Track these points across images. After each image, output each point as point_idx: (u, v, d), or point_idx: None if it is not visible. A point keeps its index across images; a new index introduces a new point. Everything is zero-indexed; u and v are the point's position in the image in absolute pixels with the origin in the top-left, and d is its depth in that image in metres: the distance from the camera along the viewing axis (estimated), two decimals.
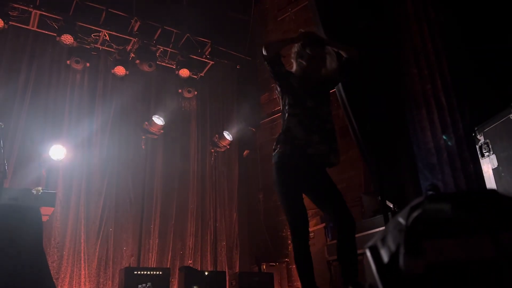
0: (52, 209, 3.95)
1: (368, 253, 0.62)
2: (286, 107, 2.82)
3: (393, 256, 0.53)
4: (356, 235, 4.29)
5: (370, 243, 0.65)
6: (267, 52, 2.79)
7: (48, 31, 6.01)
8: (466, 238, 0.58)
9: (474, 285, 0.54)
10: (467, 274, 0.55)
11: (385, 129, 4.95)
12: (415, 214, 0.53)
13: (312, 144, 2.66)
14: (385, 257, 0.56)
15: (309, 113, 2.74)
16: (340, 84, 4.78)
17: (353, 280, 2.47)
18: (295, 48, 2.94)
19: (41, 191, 3.60)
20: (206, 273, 5.02)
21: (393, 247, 0.55)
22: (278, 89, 2.93)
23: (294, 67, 2.94)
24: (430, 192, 4.72)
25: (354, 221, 2.67)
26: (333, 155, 2.73)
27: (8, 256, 3.15)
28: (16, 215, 3.44)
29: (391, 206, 4.04)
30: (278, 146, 2.73)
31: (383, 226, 4.15)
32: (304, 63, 2.85)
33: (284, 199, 2.64)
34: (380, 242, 0.61)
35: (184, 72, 6.90)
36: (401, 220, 0.57)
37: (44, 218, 3.77)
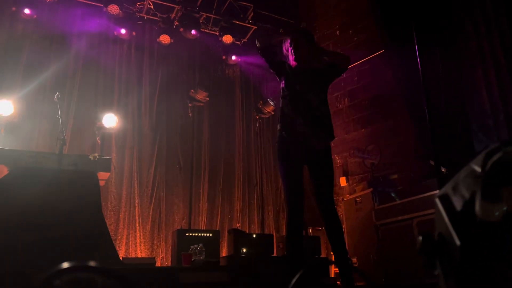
0: (108, 174, 4.14)
1: (439, 203, 0.61)
2: (281, 90, 3.12)
3: (467, 204, 0.52)
4: (405, 200, 4.22)
5: (440, 193, 0.64)
6: (259, 44, 3.10)
7: (95, 2, 6.14)
8: None
9: None
10: None
11: (437, 90, 4.74)
12: (495, 158, 0.51)
13: (296, 125, 2.91)
14: (458, 205, 0.55)
15: (297, 96, 3.00)
16: None
17: (345, 255, 2.78)
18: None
19: (97, 157, 3.78)
20: (254, 236, 5.14)
21: (467, 195, 0.54)
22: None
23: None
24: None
25: (336, 217, 2.88)
26: (315, 139, 2.92)
27: (70, 219, 3.37)
28: (76, 180, 3.66)
29: (443, 170, 3.91)
30: (278, 125, 3.05)
31: (434, 190, 4.05)
32: (293, 54, 3.10)
33: (281, 174, 2.93)
34: (451, 191, 0.59)
35: (227, 38, 6.87)
36: (476, 167, 0.55)
37: (101, 183, 3.97)
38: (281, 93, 3.12)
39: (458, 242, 0.50)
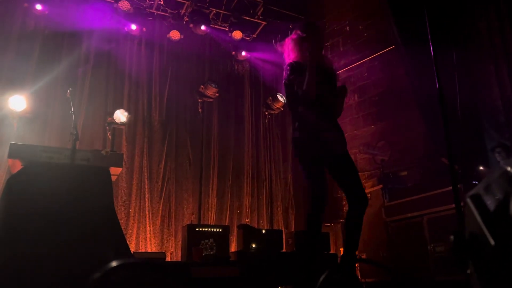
0: (120, 169, 4.18)
1: (470, 202, 0.61)
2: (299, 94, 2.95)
3: (501, 204, 0.52)
4: (416, 197, 4.21)
5: (471, 192, 0.64)
6: (311, 96, 2.83)
7: None
8: None
9: None
10: None
11: (448, 86, 4.70)
12: None
13: (320, 130, 2.83)
14: (490, 205, 0.55)
15: (320, 100, 2.87)
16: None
17: (354, 249, 2.74)
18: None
19: (109, 152, 3.81)
20: (264, 231, 5.17)
21: (500, 195, 0.54)
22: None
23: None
24: (498, 150, 4.49)
25: (367, 202, 2.83)
26: (338, 144, 2.89)
27: (83, 213, 3.41)
28: (89, 176, 3.69)
29: (455, 167, 3.89)
30: (296, 128, 2.92)
31: (445, 187, 4.03)
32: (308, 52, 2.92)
33: (305, 174, 2.84)
34: (483, 191, 0.60)
35: (237, 34, 6.87)
36: (509, 168, 0.56)
37: (113, 178, 4.00)
38: (297, 97, 2.92)
39: (492, 242, 0.51)
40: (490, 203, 0.54)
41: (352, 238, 2.77)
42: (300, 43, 2.96)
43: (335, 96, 2.98)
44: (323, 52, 3.10)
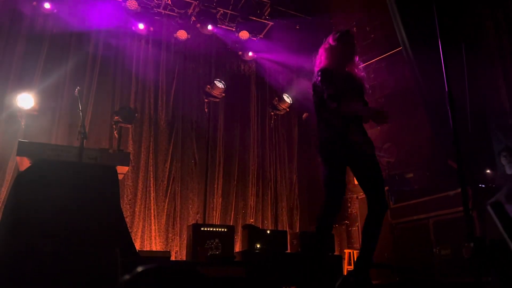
0: (127, 168, 4.19)
1: (491, 210, 0.61)
2: (324, 100, 2.95)
3: None
4: (422, 200, 4.20)
5: (492, 200, 0.64)
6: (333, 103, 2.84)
7: None
8: None
9: None
10: None
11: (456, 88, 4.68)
12: None
13: (349, 134, 2.84)
14: None
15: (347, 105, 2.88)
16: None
17: (370, 253, 2.78)
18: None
19: (117, 151, 3.83)
20: (268, 232, 5.17)
21: None
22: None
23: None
24: (504, 154, 4.47)
25: (387, 208, 2.89)
26: (366, 145, 2.91)
27: (90, 213, 3.42)
28: (96, 174, 3.70)
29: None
30: (322, 125, 2.95)
31: (452, 190, 4.02)
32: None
33: (327, 178, 2.85)
34: (504, 199, 0.59)
35: (244, 34, 6.88)
36: None
37: (120, 177, 4.01)
38: (323, 102, 2.93)
39: None
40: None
41: (368, 246, 2.79)
42: (331, 52, 2.99)
43: (365, 103, 3.03)
44: (356, 60, 3.08)
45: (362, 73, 3.11)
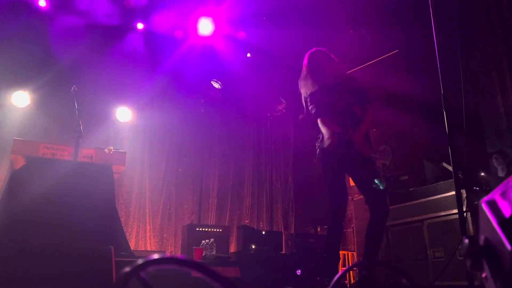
0: (123, 167, 4.18)
1: (485, 207, 0.62)
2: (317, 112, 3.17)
3: None
4: (419, 201, 4.21)
5: (486, 198, 0.65)
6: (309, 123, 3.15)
7: None
8: None
9: None
10: None
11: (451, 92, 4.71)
12: None
13: (346, 137, 2.95)
14: (506, 211, 0.56)
15: (341, 111, 3.05)
16: None
17: (375, 255, 2.87)
18: None
19: (112, 150, 3.82)
20: (263, 233, 5.17)
21: None
22: None
23: None
24: (496, 156, 4.50)
25: (388, 211, 2.97)
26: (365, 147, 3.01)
27: (85, 210, 3.41)
28: (91, 173, 3.69)
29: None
30: (321, 136, 3.07)
31: (446, 193, 4.04)
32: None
33: (331, 186, 3.01)
34: (499, 197, 0.60)
35: (241, 35, 6.88)
36: None
37: (115, 176, 4.01)
38: (318, 113, 3.10)
39: (509, 247, 0.51)
40: (506, 209, 0.55)
41: (372, 249, 2.87)
42: (304, 77, 3.19)
43: (364, 102, 3.14)
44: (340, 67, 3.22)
45: (353, 75, 3.22)
